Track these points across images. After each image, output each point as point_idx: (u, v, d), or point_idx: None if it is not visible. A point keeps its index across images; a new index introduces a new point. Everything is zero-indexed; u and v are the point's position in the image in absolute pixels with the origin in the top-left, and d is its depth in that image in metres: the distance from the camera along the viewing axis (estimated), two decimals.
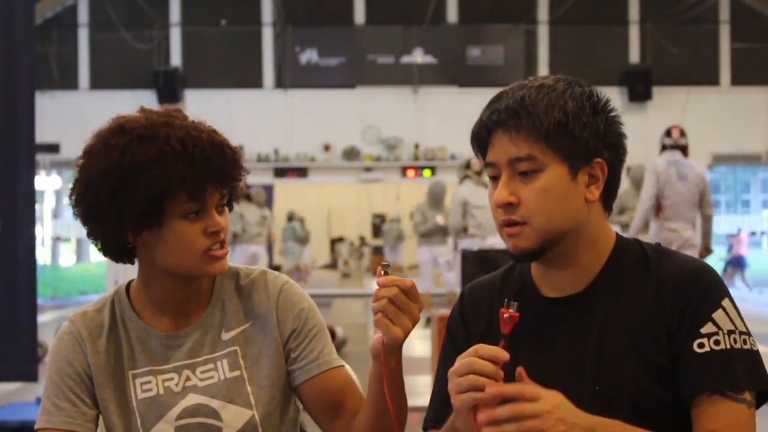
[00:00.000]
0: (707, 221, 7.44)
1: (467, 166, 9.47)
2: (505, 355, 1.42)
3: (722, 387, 1.45)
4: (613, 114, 1.56)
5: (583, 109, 1.52)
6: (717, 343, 1.47)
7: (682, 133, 7.70)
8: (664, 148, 7.67)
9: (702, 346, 1.47)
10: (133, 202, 1.59)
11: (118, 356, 1.72)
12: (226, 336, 1.73)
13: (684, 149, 7.57)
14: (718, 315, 1.48)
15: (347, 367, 1.81)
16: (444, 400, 1.66)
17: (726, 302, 1.50)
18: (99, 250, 1.71)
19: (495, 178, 1.55)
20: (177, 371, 1.71)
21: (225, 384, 1.70)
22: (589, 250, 1.56)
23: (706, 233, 7.45)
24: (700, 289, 1.50)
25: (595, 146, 1.52)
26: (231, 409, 1.69)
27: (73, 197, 1.66)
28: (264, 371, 1.73)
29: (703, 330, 1.47)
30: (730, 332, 1.47)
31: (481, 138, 1.55)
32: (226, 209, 1.71)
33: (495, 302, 1.65)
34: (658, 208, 7.39)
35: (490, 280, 1.70)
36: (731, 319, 1.49)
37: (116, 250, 1.69)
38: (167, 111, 1.68)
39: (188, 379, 1.71)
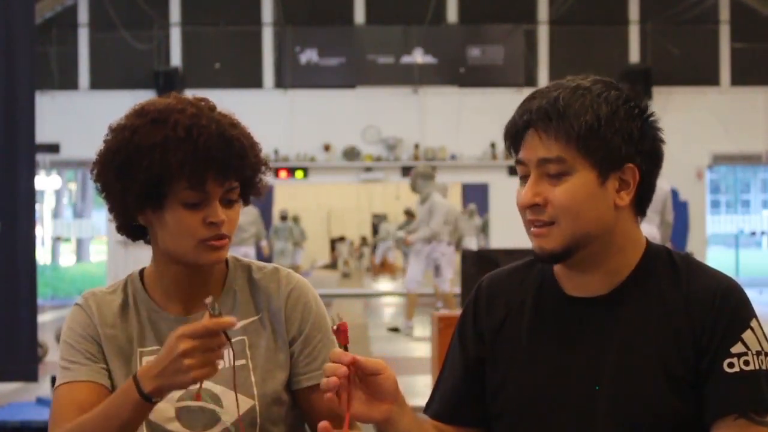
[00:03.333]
0: (668, 227, 9.35)
1: (433, 177, 10.16)
2: (347, 357, 1.43)
3: (748, 410, 1.46)
4: (651, 119, 1.54)
5: (617, 113, 1.50)
6: (746, 363, 1.47)
7: None
8: None
9: (732, 365, 1.47)
10: (133, 182, 1.63)
11: (128, 333, 1.74)
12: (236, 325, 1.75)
13: None
14: (747, 335, 1.49)
15: None
16: (449, 392, 1.66)
17: (754, 323, 1.50)
18: (116, 228, 1.75)
19: (524, 177, 1.54)
20: None
21: (230, 371, 1.70)
22: (616, 255, 1.54)
23: (665, 237, 9.17)
24: (732, 308, 1.50)
25: (627, 152, 1.50)
26: (232, 396, 1.69)
27: (94, 173, 1.71)
28: (270, 364, 1.74)
29: (734, 350, 1.48)
30: (758, 353, 1.48)
31: (513, 136, 1.54)
32: (239, 203, 1.72)
33: (513, 296, 1.64)
34: None
35: (509, 273, 1.68)
36: (759, 340, 1.49)
37: (127, 228, 1.73)
38: (196, 99, 1.72)
39: None
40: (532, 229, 1.53)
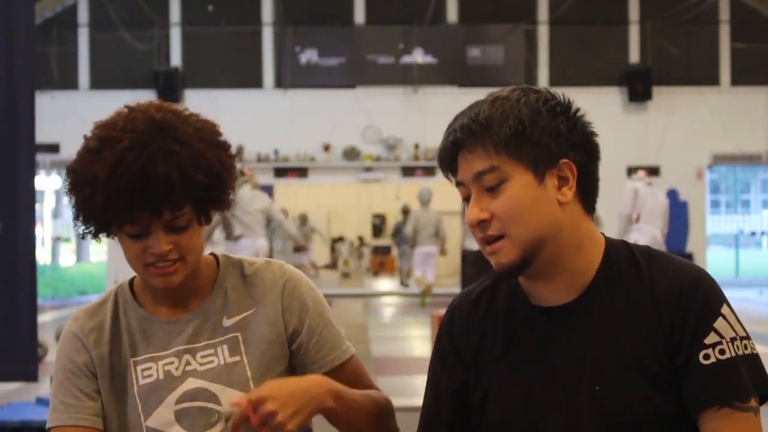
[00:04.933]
0: (663, 237, 10.20)
1: (241, 173, 10.15)
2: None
3: (730, 398, 1.45)
4: (577, 114, 1.54)
5: (539, 113, 1.50)
6: (722, 352, 1.46)
7: (646, 174, 10.82)
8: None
9: (708, 357, 1.46)
10: (77, 208, 1.67)
11: (120, 346, 1.75)
12: (227, 322, 1.75)
13: (649, 183, 10.54)
14: (720, 324, 1.47)
15: (355, 356, 1.82)
16: (440, 418, 1.65)
17: (725, 309, 1.49)
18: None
19: (466, 199, 1.54)
20: (177, 356, 1.73)
21: (225, 368, 1.71)
22: (574, 255, 1.53)
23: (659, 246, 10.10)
24: (699, 299, 1.49)
25: (558, 148, 1.50)
26: (230, 393, 1.70)
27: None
28: (265, 358, 1.74)
29: (707, 341, 1.46)
30: (732, 339, 1.47)
31: (447, 161, 1.56)
32: (193, 227, 1.68)
33: (486, 315, 1.63)
34: (637, 218, 10.03)
35: (479, 292, 1.67)
36: (731, 326, 1.48)
37: (102, 236, 1.76)
38: (161, 111, 1.67)
39: (188, 363, 1.73)
40: (486, 247, 1.53)
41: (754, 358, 1.48)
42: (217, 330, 1.74)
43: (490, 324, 1.62)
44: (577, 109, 1.55)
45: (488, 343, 1.61)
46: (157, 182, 1.60)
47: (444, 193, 20.49)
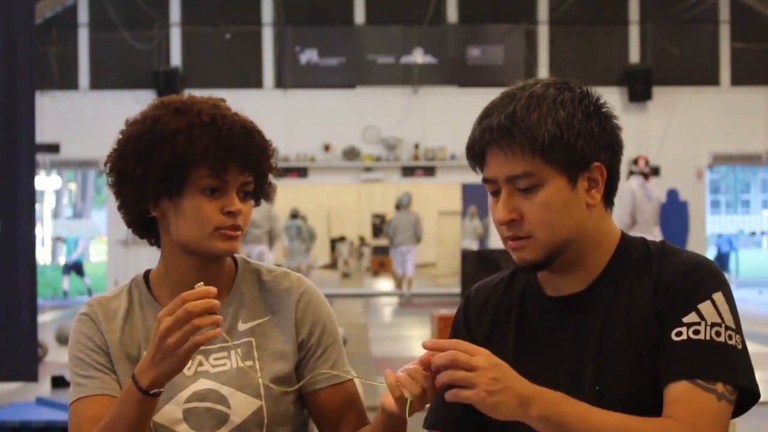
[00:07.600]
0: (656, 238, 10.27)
1: None
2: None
3: (692, 374, 1.44)
4: (604, 111, 1.54)
5: (575, 116, 1.50)
6: (696, 332, 1.46)
7: (647, 162, 9.87)
8: (631, 173, 9.64)
9: (680, 334, 1.46)
10: (155, 168, 1.64)
11: (134, 337, 1.75)
12: (242, 327, 1.76)
13: (646, 175, 9.73)
14: (705, 306, 1.47)
15: (355, 380, 1.83)
16: (444, 401, 1.66)
17: (718, 296, 1.48)
18: (126, 224, 1.76)
19: (495, 194, 1.54)
20: None
21: (236, 372, 1.72)
22: (592, 252, 1.56)
23: None
24: (693, 281, 1.49)
25: (591, 151, 1.51)
26: (240, 397, 1.71)
27: (108, 165, 1.72)
28: (277, 365, 1.75)
29: (685, 319, 1.47)
30: (714, 324, 1.46)
31: (475, 154, 1.54)
32: (251, 201, 1.74)
33: (500, 304, 1.65)
34: (632, 223, 9.45)
35: (496, 281, 1.70)
36: (720, 313, 1.47)
37: (139, 221, 1.74)
38: (211, 98, 1.75)
39: (201, 364, 1.73)
40: (509, 242, 1.54)
41: (736, 350, 1.46)
42: (231, 333, 1.75)
43: (504, 313, 1.64)
44: (604, 102, 1.55)
45: (500, 331, 1.63)
46: (256, 135, 1.70)
47: (444, 193, 20.36)
